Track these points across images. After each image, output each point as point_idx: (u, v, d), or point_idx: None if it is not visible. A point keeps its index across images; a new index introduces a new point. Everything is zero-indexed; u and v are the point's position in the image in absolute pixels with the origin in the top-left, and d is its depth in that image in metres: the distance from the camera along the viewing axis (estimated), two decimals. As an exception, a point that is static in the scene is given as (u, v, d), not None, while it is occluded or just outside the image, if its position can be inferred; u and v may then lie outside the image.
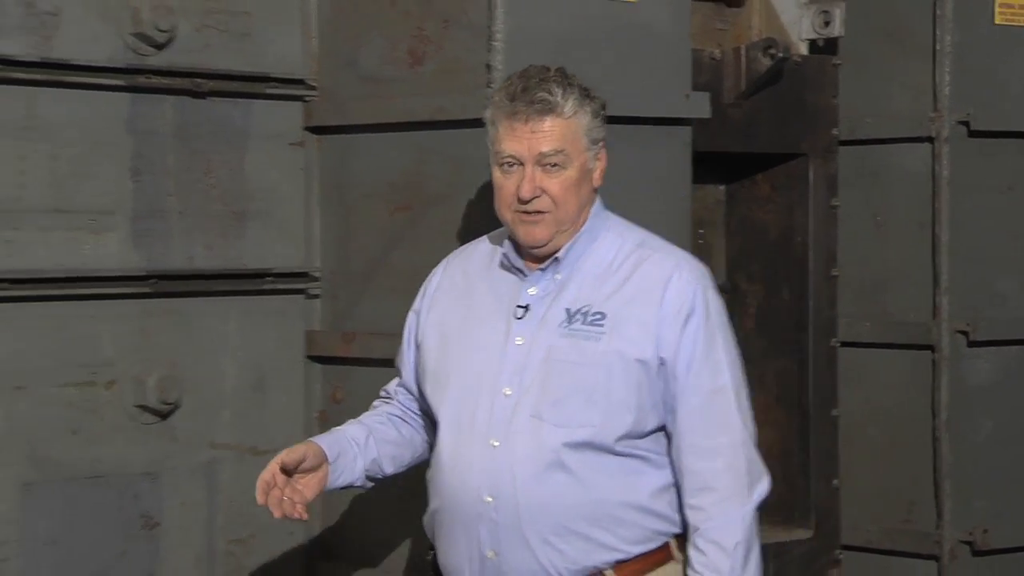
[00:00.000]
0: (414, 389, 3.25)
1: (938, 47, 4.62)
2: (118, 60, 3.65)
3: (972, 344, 4.61)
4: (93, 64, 3.61)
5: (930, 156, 4.63)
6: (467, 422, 3.06)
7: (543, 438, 3.00)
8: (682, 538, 3.08)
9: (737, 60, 4.37)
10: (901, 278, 4.67)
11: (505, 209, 3.08)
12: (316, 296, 3.97)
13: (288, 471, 3.04)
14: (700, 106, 3.94)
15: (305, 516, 3.08)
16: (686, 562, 3.05)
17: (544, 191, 3.05)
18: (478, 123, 3.31)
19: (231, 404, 3.75)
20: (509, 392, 3.03)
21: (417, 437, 3.27)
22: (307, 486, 3.10)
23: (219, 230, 3.81)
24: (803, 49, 4.56)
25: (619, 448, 3.02)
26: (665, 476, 3.06)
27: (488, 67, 3.64)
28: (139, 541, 3.68)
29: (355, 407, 3.37)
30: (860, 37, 4.65)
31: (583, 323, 3.06)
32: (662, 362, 3.02)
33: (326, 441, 3.15)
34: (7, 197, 3.51)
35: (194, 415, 3.74)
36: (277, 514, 3.06)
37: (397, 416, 3.28)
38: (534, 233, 3.06)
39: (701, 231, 4.50)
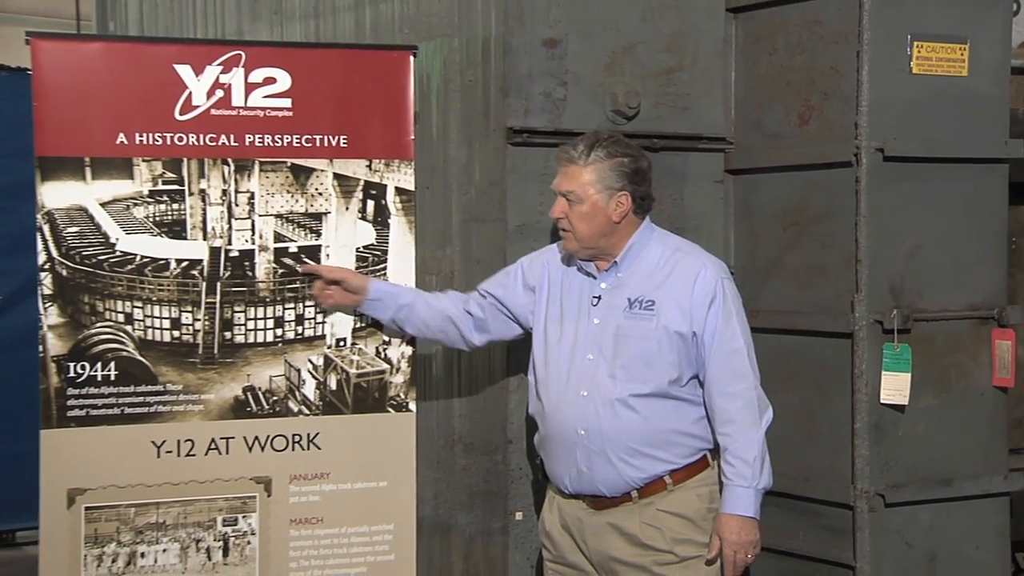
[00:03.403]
0: (499, 298, 3.66)
1: None
2: (600, 128, 4.07)
3: None
4: (579, 130, 3.97)
5: None
6: (564, 378, 3.56)
7: (618, 390, 3.51)
8: (714, 451, 3.60)
9: (1045, 115, 4.76)
10: None
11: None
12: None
13: (326, 281, 3.63)
14: (1016, 149, 4.31)
15: (326, 303, 3.61)
16: (719, 469, 3.56)
17: (566, 216, 3.56)
18: (847, 164, 4.03)
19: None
20: (591, 357, 3.55)
21: (445, 332, 3.71)
22: (340, 296, 3.66)
23: (672, 242, 3.93)
24: (1101, 104, 4.88)
25: (668, 392, 3.53)
26: (700, 411, 3.59)
27: (856, 126, 4.06)
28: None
29: (760, 365, 3.68)
30: None
31: (640, 308, 3.53)
32: (694, 334, 3.54)
33: (380, 288, 3.65)
34: (532, 220, 4.12)
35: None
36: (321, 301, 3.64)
37: (452, 316, 3.70)
38: (567, 246, 3.61)
39: (1014, 239, 4.81)
